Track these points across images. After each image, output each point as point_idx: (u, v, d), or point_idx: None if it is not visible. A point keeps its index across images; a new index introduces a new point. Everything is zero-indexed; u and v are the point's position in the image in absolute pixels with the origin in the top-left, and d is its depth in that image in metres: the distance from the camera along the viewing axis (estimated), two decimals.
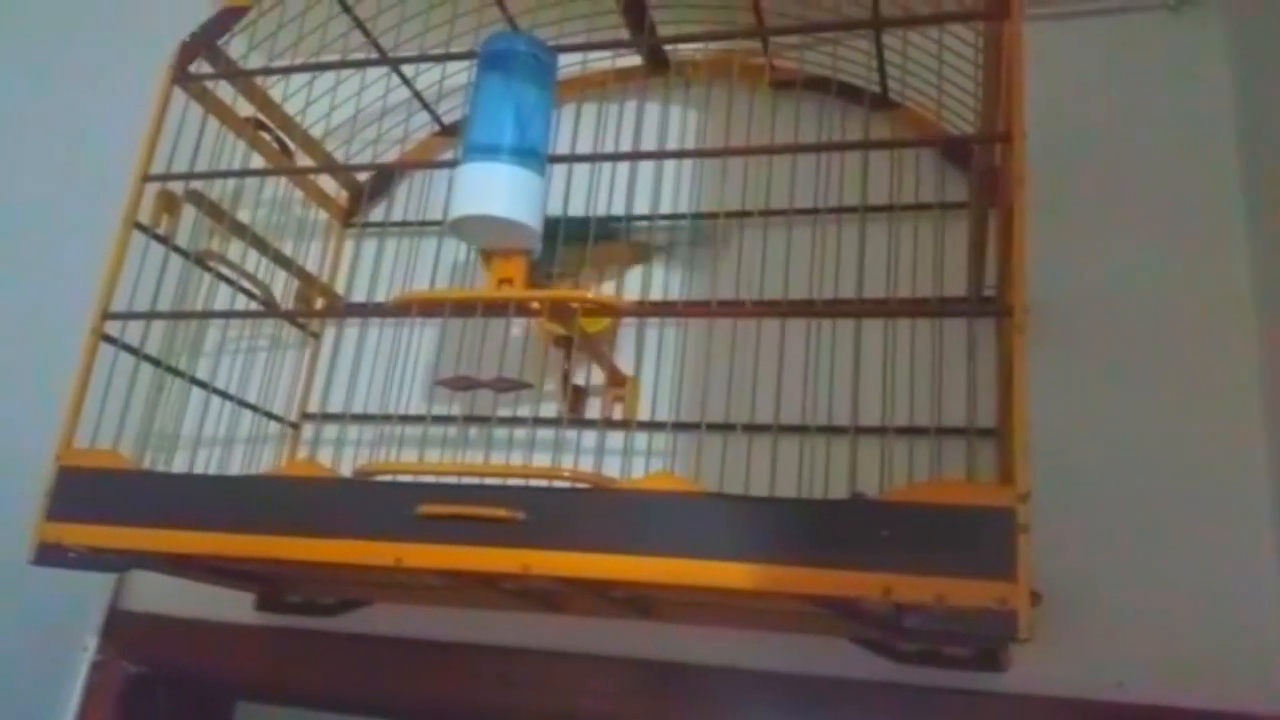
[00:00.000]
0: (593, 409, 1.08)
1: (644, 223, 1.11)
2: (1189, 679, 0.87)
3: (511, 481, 0.77)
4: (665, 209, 1.09)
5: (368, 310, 0.92)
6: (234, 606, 1.11)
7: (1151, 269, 1.01)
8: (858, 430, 0.82)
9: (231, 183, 1.19)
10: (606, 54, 1.04)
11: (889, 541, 0.62)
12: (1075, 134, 1.06)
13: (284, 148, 1.10)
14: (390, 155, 1.21)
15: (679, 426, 0.95)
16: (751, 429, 0.88)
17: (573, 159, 0.88)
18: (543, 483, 0.75)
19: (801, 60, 0.99)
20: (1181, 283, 1.00)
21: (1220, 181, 1.02)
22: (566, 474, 0.74)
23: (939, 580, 0.61)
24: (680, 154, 0.99)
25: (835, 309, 0.84)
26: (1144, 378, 0.98)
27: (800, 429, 0.91)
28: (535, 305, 0.82)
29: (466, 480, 0.76)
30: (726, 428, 0.90)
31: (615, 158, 0.88)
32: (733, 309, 0.88)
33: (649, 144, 1.05)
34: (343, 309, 1.16)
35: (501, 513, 0.70)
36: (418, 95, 1.17)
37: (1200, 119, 1.06)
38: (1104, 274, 1.02)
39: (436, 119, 1.22)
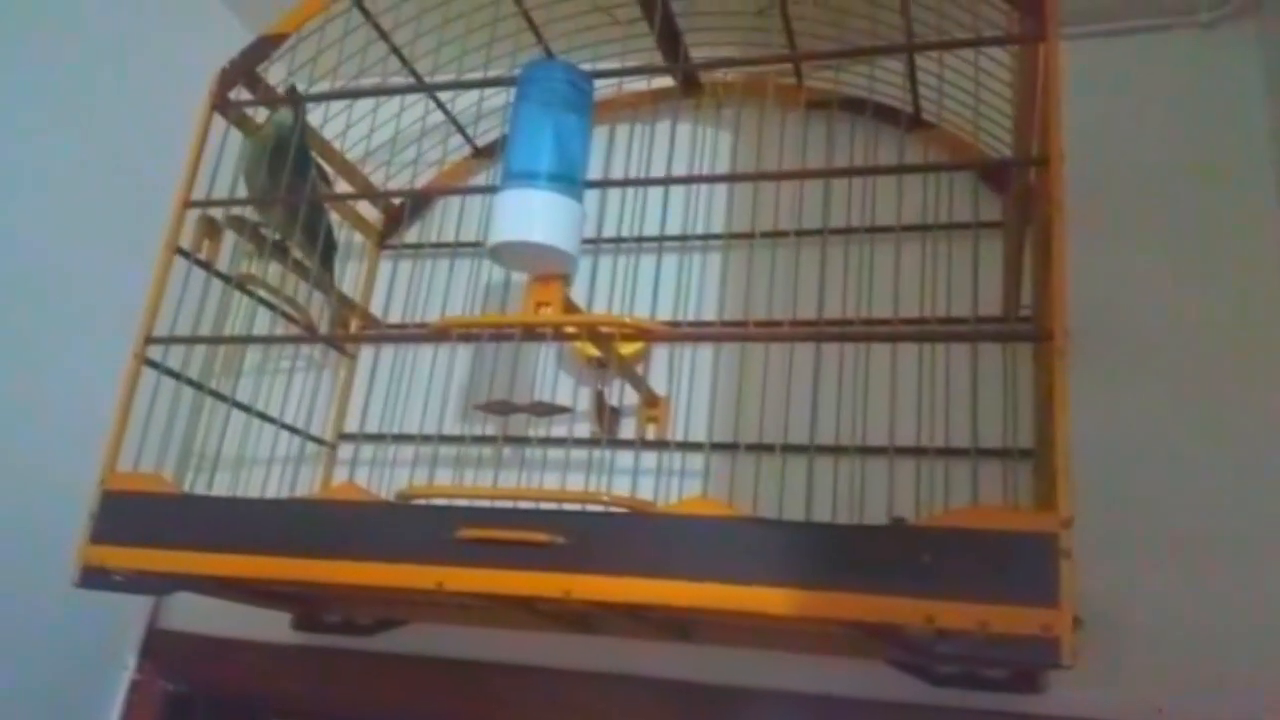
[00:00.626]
0: (626, 429, 1.08)
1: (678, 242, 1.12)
2: (1230, 705, 0.86)
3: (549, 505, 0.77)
4: (699, 229, 1.10)
5: (407, 335, 0.93)
6: (271, 626, 1.12)
7: (1189, 289, 1.01)
8: (895, 451, 0.82)
9: None
10: (641, 77, 1.04)
11: (931, 567, 0.62)
12: (1109, 153, 1.05)
13: (321, 172, 1.11)
14: (426, 178, 1.22)
15: (716, 447, 0.96)
16: (788, 450, 0.88)
17: (608, 184, 0.89)
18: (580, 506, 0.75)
19: (835, 81, 1.00)
20: (1219, 302, 0.99)
21: (1257, 199, 1.02)
22: (605, 498, 0.74)
23: (982, 607, 0.60)
24: (716, 178, 1.00)
25: (872, 331, 0.84)
26: (1182, 399, 0.97)
27: (835, 450, 0.91)
28: (572, 329, 0.83)
29: (505, 504, 0.76)
30: (763, 448, 0.90)
31: (650, 182, 0.89)
32: (769, 331, 0.88)
33: (682, 164, 1.06)
34: (383, 333, 1.17)
35: (541, 537, 0.71)
36: (453, 120, 1.18)
37: (1235, 136, 1.05)
38: (1140, 293, 1.01)
39: (470, 142, 1.23)
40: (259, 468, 1.05)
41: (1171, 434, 0.96)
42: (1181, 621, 0.90)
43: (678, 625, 0.92)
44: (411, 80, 1.06)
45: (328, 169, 1.11)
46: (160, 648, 1.20)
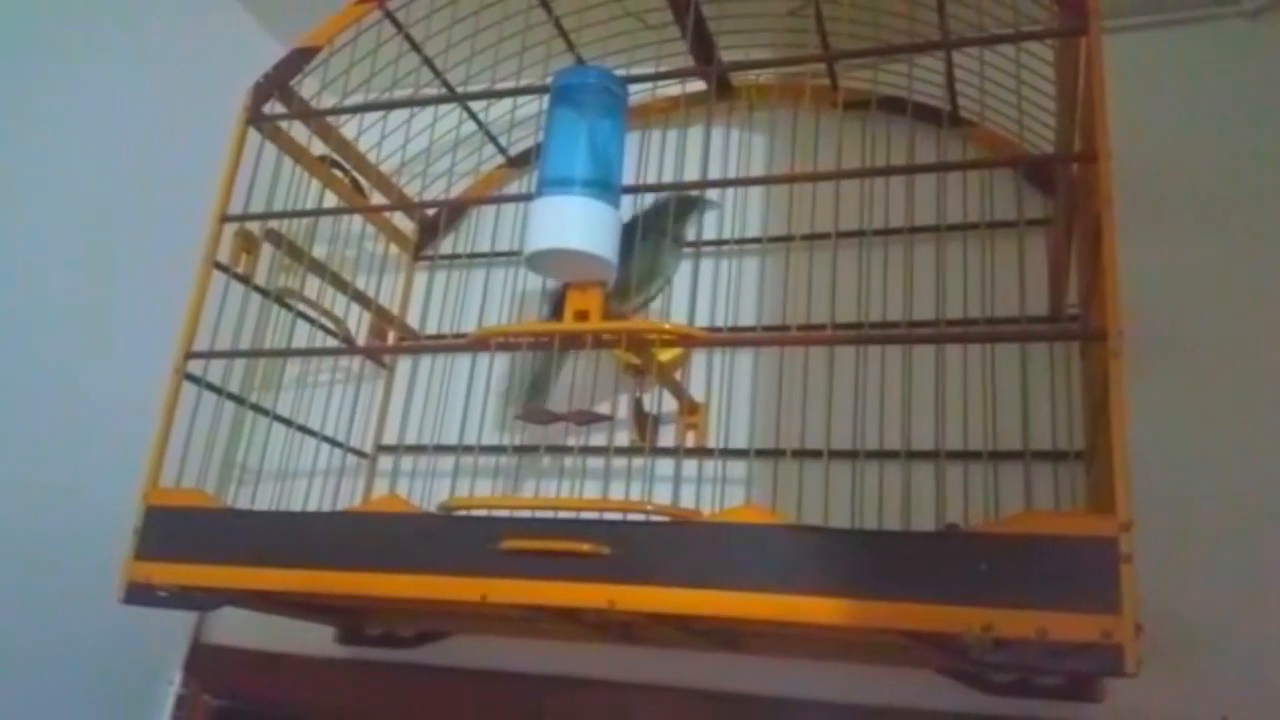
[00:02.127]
0: (665, 437, 1.07)
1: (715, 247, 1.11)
2: None
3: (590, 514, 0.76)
4: (736, 233, 1.09)
5: (445, 345, 0.93)
6: (315, 640, 1.12)
7: (1241, 283, 0.98)
8: (945, 455, 0.80)
9: (306, 220, 1.21)
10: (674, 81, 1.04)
11: (987, 575, 0.60)
12: (1154, 147, 1.03)
13: (356, 185, 1.11)
14: (460, 188, 1.22)
15: (759, 454, 0.94)
16: (833, 455, 0.87)
17: (643, 189, 0.88)
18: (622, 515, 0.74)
19: (875, 81, 0.98)
20: (1272, 296, 0.97)
21: None
22: (649, 507, 0.73)
23: (1040, 614, 0.59)
24: (753, 181, 0.99)
25: (916, 335, 0.83)
26: (1241, 397, 0.94)
27: (881, 454, 0.90)
28: (612, 337, 0.82)
29: (547, 514, 0.76)
30: (808, 454, 0.89)
31: (686, 186, 0.88)
32: (811, 335, 0.86)
33: (717, 168, 1.05)
34: (422, 344, 1.17)
35: (585, 547, 0.70)
36: (486, 130, 1.18)
37: None
38: (1191, 289, 0.99)
39: (503, 151, 1.23)
40: (300, 481, 1.05)
41: (1232, 433, 0.93)
42: (1248, 628, 0.87)
43: (724, 635, 0.91)
44: (444, 91, 1.06)
45: (363, 181, 1.11)
46: (204, 662, 1.20)
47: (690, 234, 1.07)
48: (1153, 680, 0.84)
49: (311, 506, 1.03)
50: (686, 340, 0.82)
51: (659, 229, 0.97)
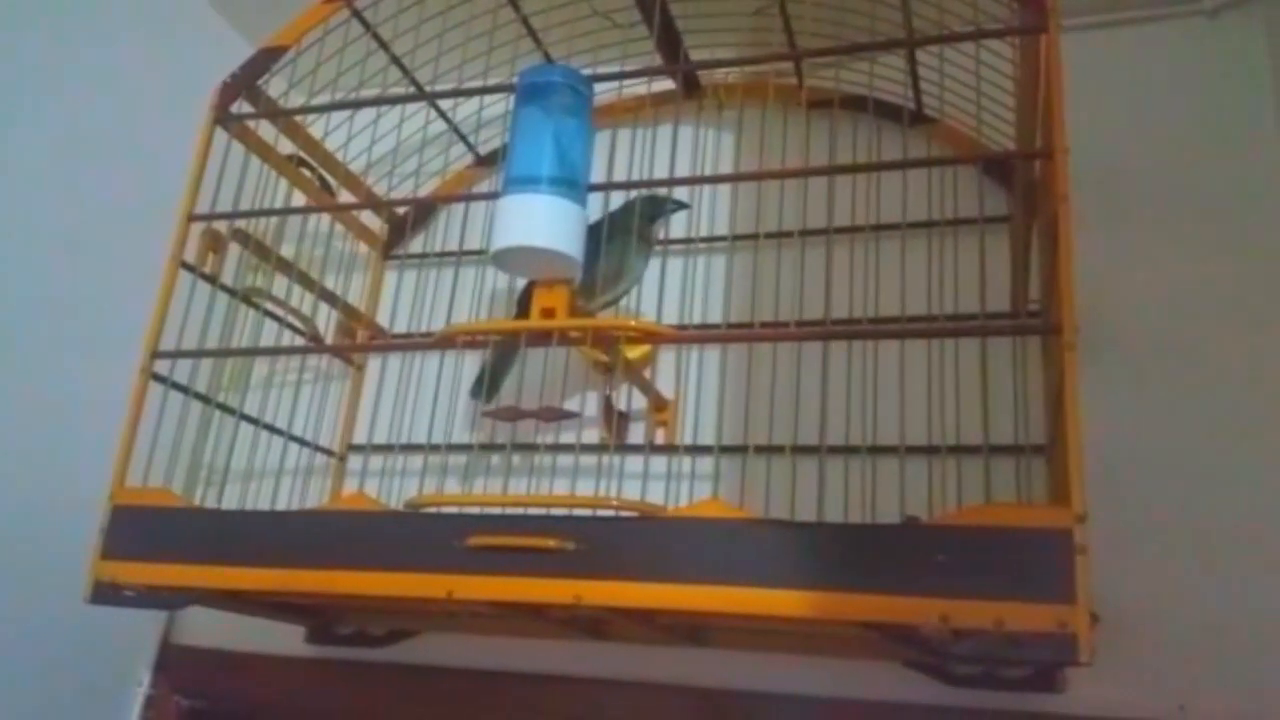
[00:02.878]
0: (634, 434, 1.08)
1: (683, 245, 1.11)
2: (1254, 702, 0.85)
3: (558, 511, 0.77)
4: (703, 232, 1.10)
5: (412, 343, 0.93)
6: (285, 639, 1.12)
7: (1198, 280, 1.00)
8: (906, 450, 0.81)
9: (274, 219, 1.21)
10: (641, 80, 1.04)
11: (945, 566, 0.61)
12: (1114, 145, 1.05)
13: (325, 184, 1.11)
14: (429, 187, 1.22)
15: (725, 450, 0.95)
16: (798, 450, 0.88)
17: (610, 187, 0.89)
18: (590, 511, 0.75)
19: (837, 79, 0.99)
20: (1230, 293, 0.99)
21: (1265, 189, 1.01)
22: (615, 503, 0.74)
23: (997, 605, 0.60)
24: (719, 179, 0.99)
25: (880, 329, 0.84)
26: (1196, 392, 0.96)
27: (847, 449, 0.90)
28: (578, 334, 0.82)
29: (514, 510, 0.76)
30: (773, 450, 0.89)
31: (653, 184, 0.88)
32: (776, 331, 0.87)
33: (684, 166, 1.05)
34: (388, 343, 1.17)
35: (551, 543, 0.70)
36: (455, 129, 1.18)
37: (1242, 125, 1.04)
38: (1149, 286, 1.01)
39: (473, 150, 1.23)
40: (268, 480, 1.05)
41: (1190, 428, 0.95)
42: (1203, 619, 0.89)
43: (690, 629, 0.92)
44: (412, 90, 1.06)
45: (331, 180, 1.11)
46: (174, 662, 1.20)
47: (659, 234, 1.08)
48: (1111, 671, 0.86)
49: (280, 506, 1.03)
50: (653, 337, 0.83)
51: (626, 228, 0.98)
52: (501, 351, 1.00)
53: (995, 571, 0.61)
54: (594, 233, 0.83)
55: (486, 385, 1.01)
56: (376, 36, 1.02)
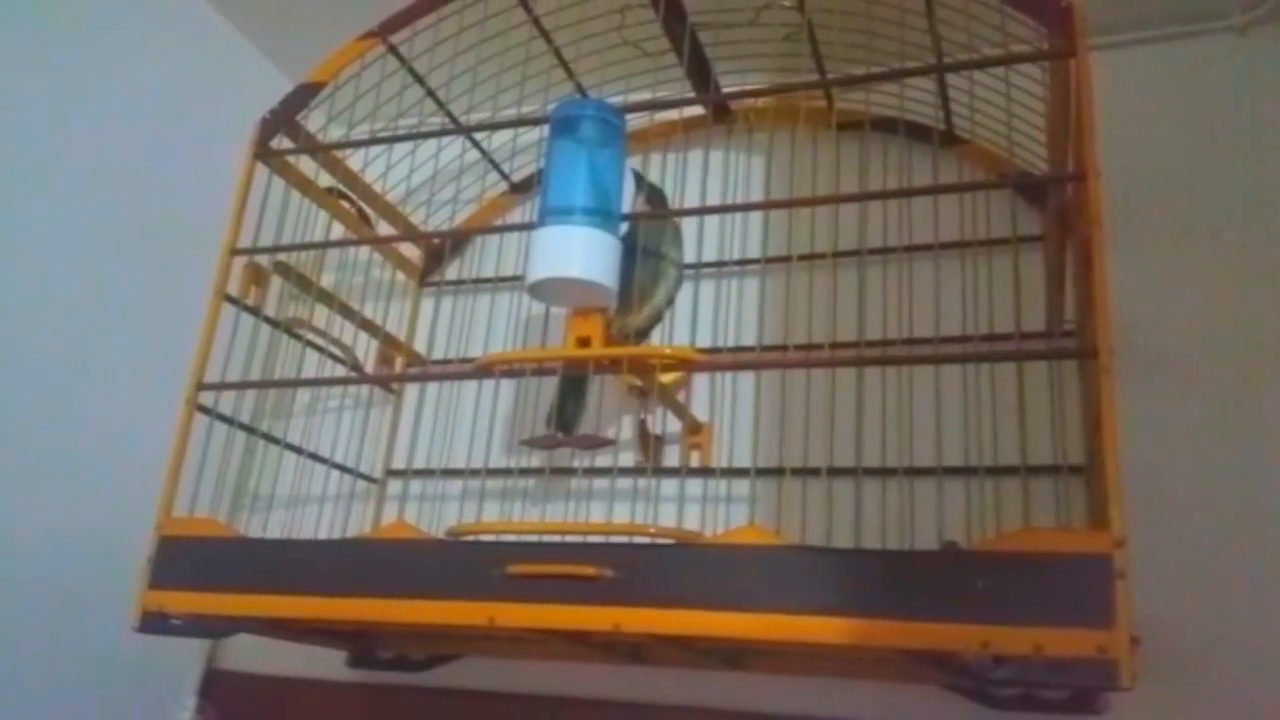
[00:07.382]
0: (669, 457, 1.08)
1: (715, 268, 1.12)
2: None
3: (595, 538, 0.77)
4: (736, 254, 1.11)
5: (451, 372, 0.94)
6: (327, 664, 1.13)
7: (1234, 299, 0.99)
8: (944, 471, 0.81)
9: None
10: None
11: (985, 592, 0.61)
12: (1145, 163, 1.04)
13: (363, 214, 1.13)
14: (465, 214, 1.23)
15: (760, 473, 0.95)
16: (834, 473, 0.88)
17: (643, 216, 0.90)
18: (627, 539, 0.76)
19: (867, 101, 1.00)
20: (1267, 313, 0.98)
21: None
22: (652, 530, 0.75)
23: (1037, 630, 0.60)
24: (750, 206, 1.00)
25: (914, 354, 0.84)
26: (1235, 412, 0.95)
27: (883, 471, 0.91)
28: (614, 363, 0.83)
29: (552, 538, 0.77)
30: (809, 472, 0.90)
31: (685, 213, 0.89)
32: (809, 358, 0.88)
33: (716, 190, 1.06)
34: (427, 372, 1.18)
35: (590, 570, 0.71)
36: (489, 158, 1.20)
37: (1275, 142, 1.04)
38: (1184, 306, 1.00)
39: (506, 178, 1.25)
40: (311, 507, 1.07)
41: (1231, 448, 0.94)
42: (1245, 641, 0.88)
43: (729, 654, 0.92)
44: (447, 122, 1.08)
45: (369, 211, 1.13)
46: (218, 688, 1.22)
47: (675, 251, 1.08)
48: (1153, 692, 0.85)
49: (323, 532, 1.05)
50: (687, 365, 0.83)
51: (648, 229, 0.98)
52: (571, 384, 1.01)
53: (1035, 597, 0.61)
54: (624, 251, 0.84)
55: (558, 418, 1.02)
56: (412, 71, 1.04)
